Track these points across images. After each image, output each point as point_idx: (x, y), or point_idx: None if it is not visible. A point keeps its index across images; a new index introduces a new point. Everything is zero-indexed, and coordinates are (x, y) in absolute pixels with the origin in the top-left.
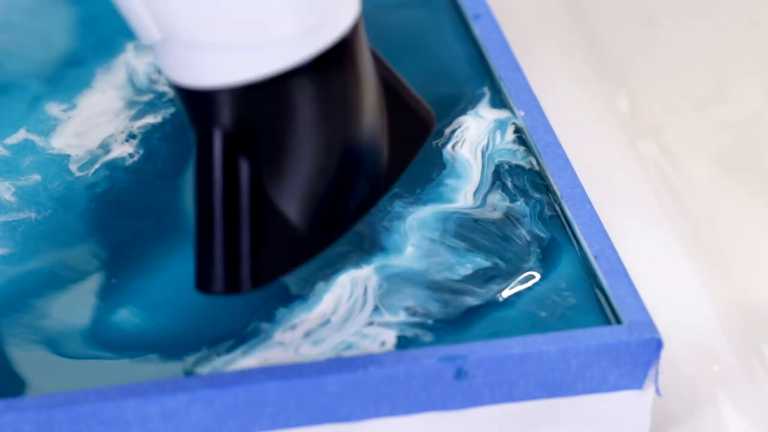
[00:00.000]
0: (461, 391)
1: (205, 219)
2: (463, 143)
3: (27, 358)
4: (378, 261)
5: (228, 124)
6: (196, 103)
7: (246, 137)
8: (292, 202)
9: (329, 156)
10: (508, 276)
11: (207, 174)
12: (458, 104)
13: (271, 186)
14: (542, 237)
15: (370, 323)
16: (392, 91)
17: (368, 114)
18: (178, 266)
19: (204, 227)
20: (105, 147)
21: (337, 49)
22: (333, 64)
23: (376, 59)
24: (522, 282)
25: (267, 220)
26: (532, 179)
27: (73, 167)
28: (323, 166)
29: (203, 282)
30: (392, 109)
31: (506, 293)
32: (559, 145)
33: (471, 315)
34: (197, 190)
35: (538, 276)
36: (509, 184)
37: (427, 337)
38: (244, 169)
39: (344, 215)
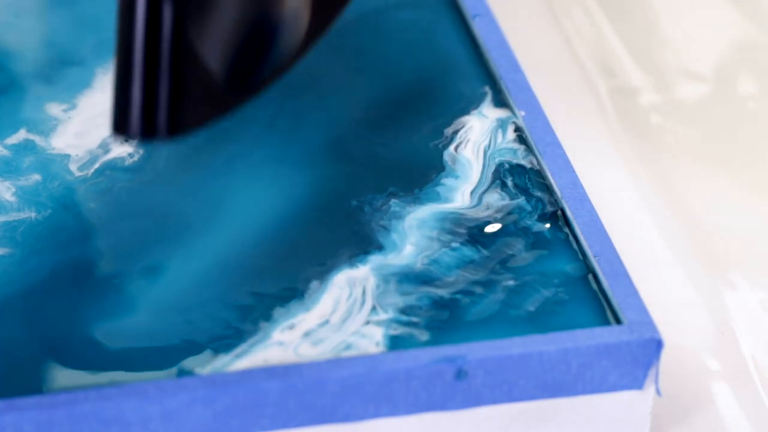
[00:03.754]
0: (461, 391)
1: (124, 62)
2: (466, 143)
3: (27, 359)
4: (376, 260)
5: None
6: None
7: None
8: (212, 51)
9: (251, 6)
10: (508, 276)
11: (129, 16)
12: (458, 104)
13: (193, 34)
14: (542, 237)
15: (369, 323)
16: None
17: None
18: (179, 266)
19: (123, 70)
20: (105, 147)
21: None
22: None
23: None
24: (522, 281)
25: (188, 68)
26: (532, 179)
27: (73, 167)
28: (245, 16)
29: (120, 125)
30: None
31: (506, 293)
32: (559, 145)
33: (470, 315)
34: (118, 33)
35: (537, 276)
36: (509, 184)
37: (426, 336)
38: (168, 13)
39: (262, 71)
